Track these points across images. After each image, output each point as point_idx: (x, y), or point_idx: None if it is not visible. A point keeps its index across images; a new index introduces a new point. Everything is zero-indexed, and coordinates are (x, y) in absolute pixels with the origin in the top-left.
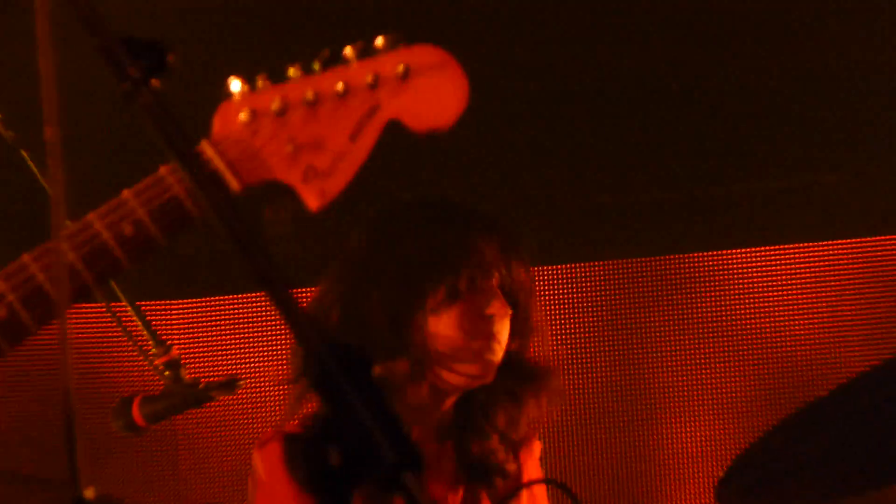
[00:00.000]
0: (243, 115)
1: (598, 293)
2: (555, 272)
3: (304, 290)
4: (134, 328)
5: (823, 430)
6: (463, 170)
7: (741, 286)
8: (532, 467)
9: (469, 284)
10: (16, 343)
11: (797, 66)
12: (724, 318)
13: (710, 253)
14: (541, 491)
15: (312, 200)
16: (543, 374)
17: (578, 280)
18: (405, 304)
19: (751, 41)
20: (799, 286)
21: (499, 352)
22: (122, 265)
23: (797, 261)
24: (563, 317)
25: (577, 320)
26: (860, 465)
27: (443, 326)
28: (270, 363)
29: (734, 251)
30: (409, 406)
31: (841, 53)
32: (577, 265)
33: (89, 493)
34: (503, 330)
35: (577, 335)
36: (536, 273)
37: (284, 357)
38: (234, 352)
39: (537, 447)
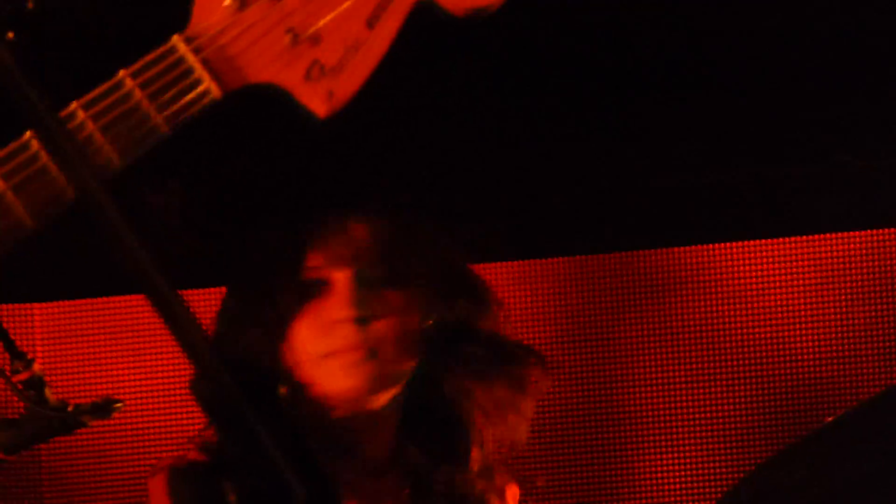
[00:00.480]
0: (228, 0)
1: (569, 293)
2: (516, 269)
3: (199, 291)
4: None
5: (829, 465)
6: (430, 155)
7: (736, 285)
8: None
9: (313, 282)
10: None
11: (810, 38)
12: (716, 323)
13: (700, 247)
14: None
15: (318, 105)
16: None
17: (547, 278)
18: (258, 313)
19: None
20: (806, 286)
21: (373, 362)
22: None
23: (805, 256)
24: (527, 321)
25: (543, 325)
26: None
27: (298, 337)
28: (156, 381)
29: (729, 244)
30: (327, 434)
31: (861, 26)
32: (546, 261)
33: None
34: (362, 342)
35: (544, 342)
36: (497, 269)
37: (173, 373)
38: (110, 368)
39: (513, 495)
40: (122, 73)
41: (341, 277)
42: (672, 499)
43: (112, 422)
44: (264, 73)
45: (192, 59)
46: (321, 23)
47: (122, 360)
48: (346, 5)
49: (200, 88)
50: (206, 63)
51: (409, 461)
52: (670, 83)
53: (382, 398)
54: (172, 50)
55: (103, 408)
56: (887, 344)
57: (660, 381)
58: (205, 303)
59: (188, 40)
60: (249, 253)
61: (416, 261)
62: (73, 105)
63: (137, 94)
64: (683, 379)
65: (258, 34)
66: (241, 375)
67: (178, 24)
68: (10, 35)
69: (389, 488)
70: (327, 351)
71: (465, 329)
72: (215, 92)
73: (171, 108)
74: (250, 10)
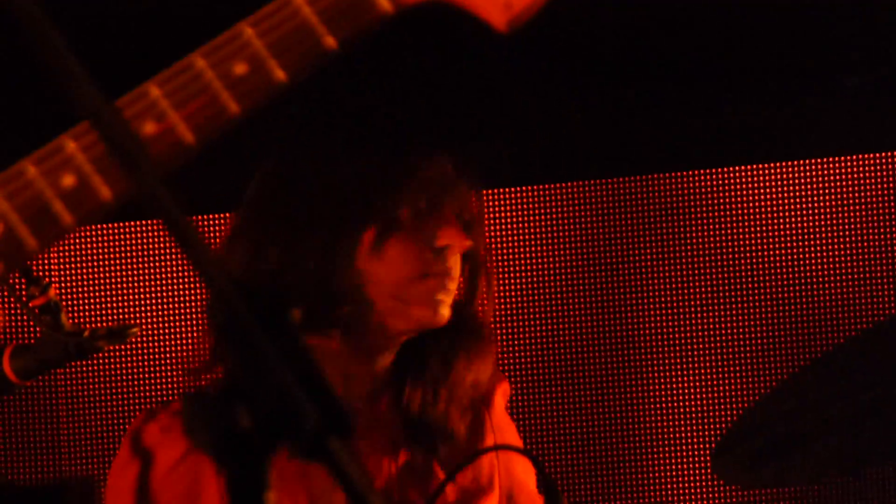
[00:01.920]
0: None
1: (575, 219)
2: (516, 195)
3: (214, 216)
4: None
5: (841, 388)
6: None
7: (748, 210)
8: (499, 420)
9: (413, 212)
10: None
11: None
12: (727, 247)
13: (711, 171)
14: (511, 433)
15: (497, 16)
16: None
17: (548, 204)
18: (333, 249)
19: None
20: (818, 210)
21: (453, 291)
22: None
23: (815, 179)
24: (528, 249)
25: (547, 253)
26: (883, 432)
27: (385, 266)
28: (171, 306)
29: (740, 168)
30: (340, 361)
31: None
32: (547, 186)
33: None
34: (457, 265)
35: (549, 271)
36: (497, 196)
37: (190, 299)
38: (126, 292)
39: (503, 393)
40: None
41: (448, 210)
42: (683, 422)
43: (127, 347)
44: None
45: None
46: None
47: (137, 284)
48: None
49: (375, 3)
50: None
51: (393, 388)
52: (679, 16)
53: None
54: None
55: (118, 332)
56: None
57: (670, 305)
58: (216, 227)
59: None
60: (319, 193)
61: (478, 198)
62: (241, 25)
63: (306, 9)
64: (694, 302)
65: None
66: (256, 299)
67: None
68: None
69: (381, 411)
70: (420, 279)
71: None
72: (387, 7)
73: (342, 25)
74: None
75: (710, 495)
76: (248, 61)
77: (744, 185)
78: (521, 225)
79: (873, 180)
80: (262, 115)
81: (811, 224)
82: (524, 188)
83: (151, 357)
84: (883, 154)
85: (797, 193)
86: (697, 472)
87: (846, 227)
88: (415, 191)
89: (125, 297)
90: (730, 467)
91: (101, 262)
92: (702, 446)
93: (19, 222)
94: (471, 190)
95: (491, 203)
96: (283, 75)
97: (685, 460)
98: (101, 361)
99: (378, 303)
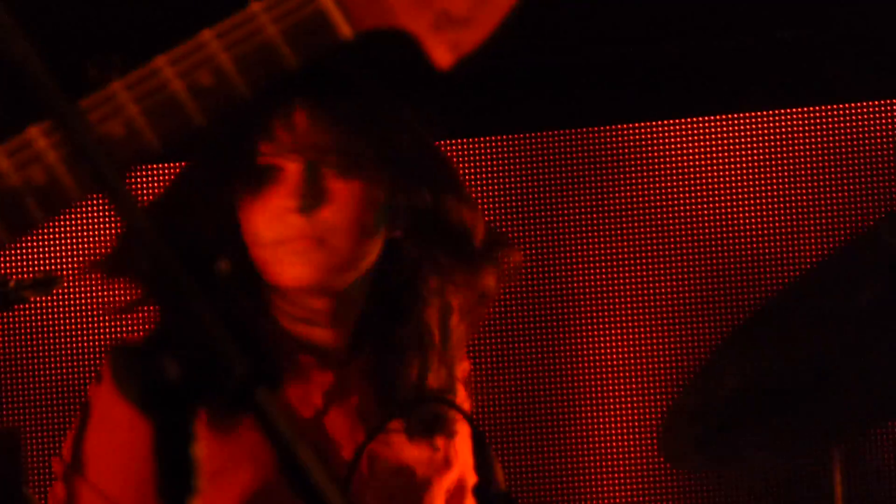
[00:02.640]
0: None
1: (507, 173)
2: (462, 147)
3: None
4: None
5: (779, 342)
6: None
7: (677, 164)
8: (462, 395)
9: (264, 168)
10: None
11: None
12: (659, 203)
13: (640, 124)
14: (463, 428)
15: (442, 55)
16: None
17: (480, 158)
18: (210, 190)
19: None
20: (747, 163)
21: (321, 250)
22: (192, 123)
23: (746, 133)
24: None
25: (489, 203)
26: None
27: (251, 222)
28: (95, 256)
29: (670, 122)
30: (284, 315)
31: None
32: (478, 140)
33: None
34: (309, 231)
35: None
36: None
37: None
38: (52, 240)
39: (464, 370)
40: (254, 5)
41: (291, 167)
42: (621, 375)
43: (54, 298)
44: (395, 18)
45: None
46: None
47: (64, 233)
48: None
49: (332, 26)
50: (339, 2)
51: (373, 352)
52: None
53: (336, 285)
54: None
55: (44, 283)
56: (831, 216)
57: (605, 256)
58: (149, 179)
59: None
60: (206, 135)
61: (371, 149)
62: (206, 34)
63: (269, 28)
64: (628, 255)
65: None
66: (183, 252)
67: None
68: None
69: (354, 380)
70: (276, 238)
71: (430, 218)
72: (345, 30)
73: (302, 43)
74: None
75: (652, 466)
76: (214, 74)
77: (677, 139)
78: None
79: (800, 133)
80: None
81: (740, 174)
82: (454, 141)
83: (77, 308)
84: (812, 108)
85: (726, 146)
86: (635, 437)
87: (773, 177)
88: (271, 142)
89: (51, 248)
90: (678, 449)
91: None
92: (641, 410)
93: None
94: (359, 137)
95: None
96: (246, 91)
97: (624, 425)
98: (27, 312)
99: (256, 259)
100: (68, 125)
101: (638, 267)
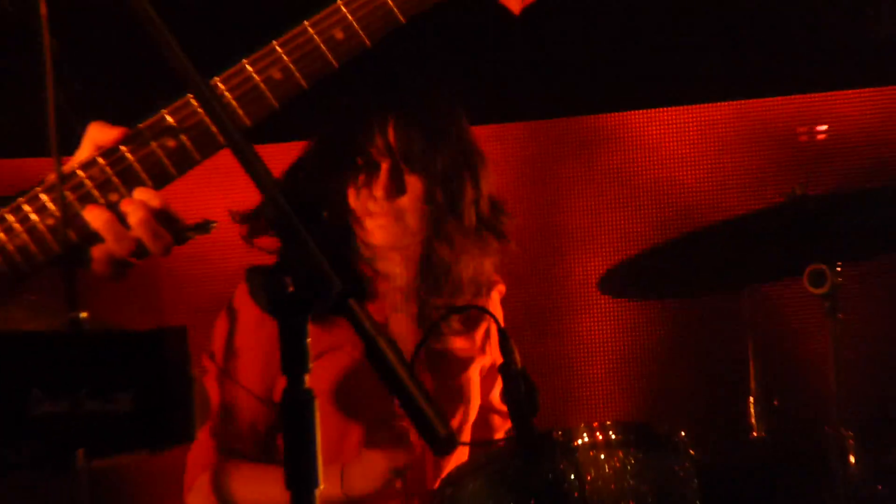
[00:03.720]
0: None
1: (516, 152)
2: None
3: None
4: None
5: (695, 249)
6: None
7: (640, 143)
8: (495, 303)
9: (367, 165)
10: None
11: None
12: (625, 170)
13: (613, 115)
14: (493, 326)
15: (514, 3)
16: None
17: (497, 140)
18: (326, 176)
19: None
20: (688, 142)
21: (398, 224)
22: (331, 68)
23: (687, 120)
24: None
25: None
26: (718, 274)
27: (354, 197)
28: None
29: (634, 112)
30: (372, 252)
31: None
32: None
33: (83, 315)
34: (392, 212)
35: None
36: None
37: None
38: (205, 197)
39: (500, 290)
40: None
41: (384, 165)
42: (592, 285)
43: (210, 237)
44: None
45: None
46: None
47: (216, 194)
48: None
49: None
50: None
51: (425, 280)
52: None
53: (404, 245)
54: None
55: (202, 227)
56: (746, 182)
57: (587, 208)
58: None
59: None
60: (331, 125)
61: (439, 155)
62: (339, 3)
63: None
64: (603, 207)
65: None
66: (297, 204)
67: None
68: None
69: (412, 299)
70: (369, 214)
71: (455, 201)
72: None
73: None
74: None
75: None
76: (344, 30)
77: (641, 125)
78: None
79: (728, 121)
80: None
81: (686, 152)
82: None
83: (226, 243)
84: (738, 102)
85: (673, 130)
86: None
87: (709, 153)
88: (368, 148)
89: (205, 201)
90: (611, 286)
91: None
92: (603, 299)
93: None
94: (425, 144)
95: None
96: (366, 41)
97: (592, 310)
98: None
99: (356, 224)
100: (203, 97)
101: (611, 211)
